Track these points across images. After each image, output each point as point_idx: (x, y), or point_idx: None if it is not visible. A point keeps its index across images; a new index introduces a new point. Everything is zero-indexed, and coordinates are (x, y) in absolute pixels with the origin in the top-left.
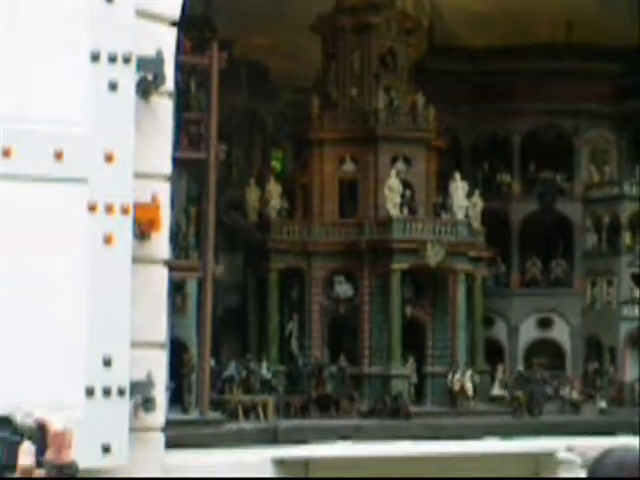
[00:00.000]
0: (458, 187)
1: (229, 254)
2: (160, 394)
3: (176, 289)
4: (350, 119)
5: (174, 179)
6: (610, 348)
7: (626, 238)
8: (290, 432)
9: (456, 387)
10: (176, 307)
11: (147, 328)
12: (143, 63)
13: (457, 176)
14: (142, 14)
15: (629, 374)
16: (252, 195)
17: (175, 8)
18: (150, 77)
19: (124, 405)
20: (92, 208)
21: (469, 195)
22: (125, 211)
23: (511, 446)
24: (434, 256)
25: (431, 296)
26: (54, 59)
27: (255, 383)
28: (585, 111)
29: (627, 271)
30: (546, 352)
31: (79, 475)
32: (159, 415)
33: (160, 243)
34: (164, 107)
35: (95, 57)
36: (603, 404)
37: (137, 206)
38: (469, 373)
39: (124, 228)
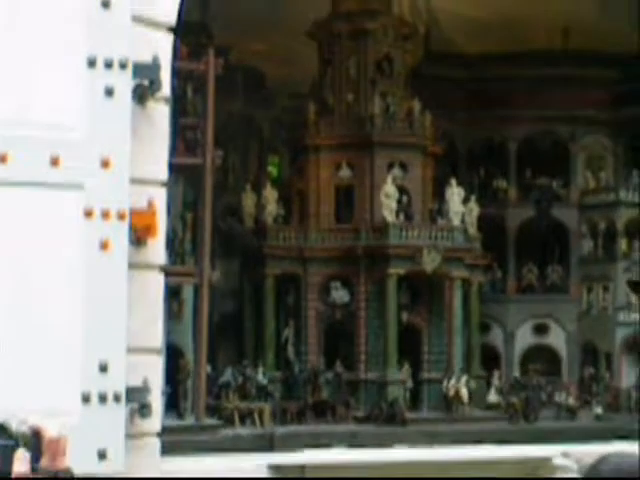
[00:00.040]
0: (454, 193)
1: (225, 260)
2: (156, 400)
3: (172, 295)
4: (346, 125)
5: (170, 185)
6: (606, 354)
7: (622, 244)
8: (286, 438)
9: (451, 393)
10: (172, 313)
11: (143, 334)
12: (139, 69)
13: (453, 182)
14: (138, 20)
15: (625, 380)
16: (248, 201)
17: (172, 14)
18: (146, 83)
19: (120, 411)
20: (88, 214)
21: (465, 201)
22: (121, 217)
23: (507, 452)
24: (430, 262)
25: (427, 302)
26: (50, 65)
27: (251, 389)
28: (581, 117)
29: (623, 277)
30: (542, 358)
31: None
32: (155, 421)
33: (156, 249)
34: (160, 113)
35: (91, 63)
36: (599, 410)
37: (133, 212)
38: (464, 379)
39: (120, 234)
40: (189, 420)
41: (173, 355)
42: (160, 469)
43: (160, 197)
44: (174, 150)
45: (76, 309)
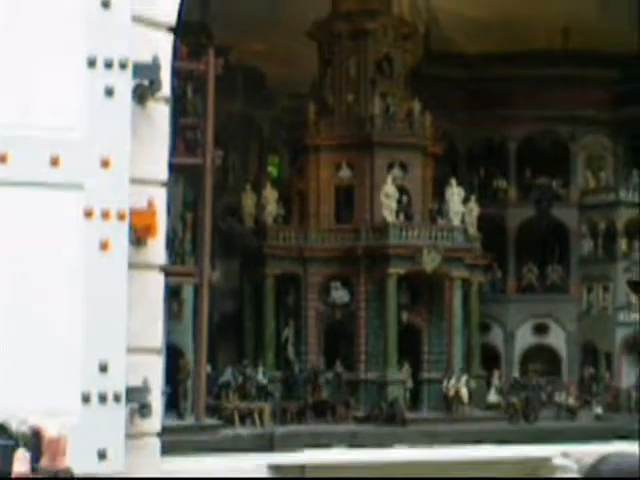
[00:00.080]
0: (454, 193)
1: (225, 260)
2: (156, 400)
3: (172, 295)
4: (346, 125)
5: (170, 185)
6: (606, 354)
7: (622, 244)
8: (286, 438)
9: (451, 393)
10: (172, 313)
11: (143, 334)
12: (139, 69)
13: (453, 182)
14: (138, 20)
15: (625, 380)
16: (248, 201)
17: (172, 14)
18: (146, 83)
19: (120, 411)
20: (88, 214)
21: (465, 201)
22: (121, 217)
23: (507, 452)
24: (430, 262)
25: (427, 302)
26: (50, 65)
27: (251, 389)
28: (581, 117)
29: (623, 277)
30: (542, 358)
31: None
32: (155, 421)
33: (156, 249)
34: (160, 113)
35: (91, 63)
36: (599, 410)
37: (133, 212)
38: (464, 379)
39: (120, 234)
40: (189, 420)
41: (173, 355)
42: (160, 469)
43: (160, 197)
44: (174, 150)
45: (76, 309)
